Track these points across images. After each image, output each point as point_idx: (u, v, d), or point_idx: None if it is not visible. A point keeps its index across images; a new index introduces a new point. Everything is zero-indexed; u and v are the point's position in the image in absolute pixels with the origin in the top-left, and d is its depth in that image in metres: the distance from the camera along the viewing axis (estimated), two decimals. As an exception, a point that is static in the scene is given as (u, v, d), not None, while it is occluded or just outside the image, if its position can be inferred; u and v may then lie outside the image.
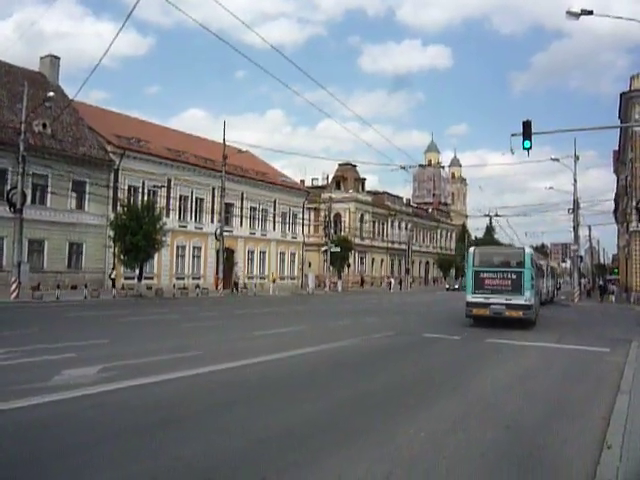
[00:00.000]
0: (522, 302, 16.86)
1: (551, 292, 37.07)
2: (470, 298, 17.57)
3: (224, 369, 8.80)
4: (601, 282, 53.45)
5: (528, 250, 18.42)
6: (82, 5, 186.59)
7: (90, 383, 7.20)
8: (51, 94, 27.82)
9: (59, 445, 4.91)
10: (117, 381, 7.36)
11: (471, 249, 19.18)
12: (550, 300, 34.87)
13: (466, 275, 19.16)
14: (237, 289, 40.16)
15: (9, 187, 26.96)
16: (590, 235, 64.99)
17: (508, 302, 16.88)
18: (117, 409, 6.22)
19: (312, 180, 70.55)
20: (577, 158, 40.14)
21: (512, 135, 17.49)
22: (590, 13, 17.18)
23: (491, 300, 17.06)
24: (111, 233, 30.18)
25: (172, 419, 5.85)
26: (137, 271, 30.90)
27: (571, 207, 42.40)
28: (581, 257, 55.67)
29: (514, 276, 17.13)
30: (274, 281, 43.12)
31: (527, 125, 17.07)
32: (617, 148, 53.64)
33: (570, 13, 17.34)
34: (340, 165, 65.37)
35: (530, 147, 17.22)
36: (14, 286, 24.31)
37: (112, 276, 31.78)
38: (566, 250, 79.14)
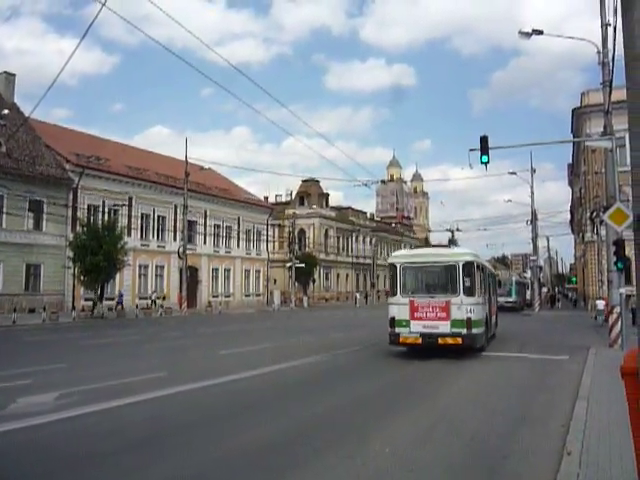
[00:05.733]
0: (512, 300, 38.88)
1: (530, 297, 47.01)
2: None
3: (188, 390, 8.64)
4: (551, 292, 58.27)
5: (515, 277, 45.45)
6: (45, 22, 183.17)
7: (47, 411, 6.96)
8: (6, 111, 27.20)
9: (16, 475, 4.73)
10: (75, 407, 7.14)
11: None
12: (531, 303, 43.69)
13: None
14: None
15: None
16: (549, 245, 67.06)
17: (506, 300, 36.40)
18: (76, 436, 6.03)
19: (276, 197, 70.42)
20: (534, 171, 42.01)
21: (470, 150, 17.78)
22: (541, 33, 17.84)
23: (500, 299, 32.83)
24: (70, 254, 29.37)
25: (133, 444, 5.70)
26: (98, 292, 30.13)
27: (529, 219, 43.82)
28: (540, 267, 57.32)
29: (508, 289, 39.43)
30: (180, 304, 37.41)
31: (484, 140, 17.42)
32: (571, 162, 55.65)
33: (522, 33, 17.96)
34: (303, 181, 65.45)
35: (488, 161, 17.54)
36: (-33, 311, 23.35)
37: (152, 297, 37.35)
38: (526, 260, 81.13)
